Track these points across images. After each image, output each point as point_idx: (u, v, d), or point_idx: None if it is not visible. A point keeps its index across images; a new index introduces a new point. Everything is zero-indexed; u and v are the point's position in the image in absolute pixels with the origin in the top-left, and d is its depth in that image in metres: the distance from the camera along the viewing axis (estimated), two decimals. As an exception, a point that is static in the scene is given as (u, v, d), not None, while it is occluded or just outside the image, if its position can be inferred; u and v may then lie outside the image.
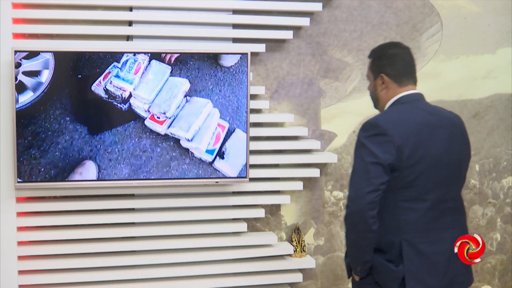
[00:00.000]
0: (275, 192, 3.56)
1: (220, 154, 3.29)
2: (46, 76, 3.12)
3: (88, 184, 3.19)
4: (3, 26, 3.14)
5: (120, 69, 3.19)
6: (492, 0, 3.85)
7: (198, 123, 3.25)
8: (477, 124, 3.90)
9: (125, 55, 3.19)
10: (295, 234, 3.58)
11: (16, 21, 3.19)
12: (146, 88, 3.21)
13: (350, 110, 3.69)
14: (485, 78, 3.90)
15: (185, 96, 3.25)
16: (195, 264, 3.43)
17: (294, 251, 3.55)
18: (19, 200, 3.26)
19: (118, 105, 3.19)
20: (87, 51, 3.16)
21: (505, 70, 3.90)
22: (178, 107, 3.24)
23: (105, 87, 3.18)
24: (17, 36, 3.21)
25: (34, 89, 3.11)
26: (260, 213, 3.50)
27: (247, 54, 3.29)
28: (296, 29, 3.56)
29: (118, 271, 3.34)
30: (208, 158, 3.28)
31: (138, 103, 3.21)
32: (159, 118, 3.23)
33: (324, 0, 3.56)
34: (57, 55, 3.12)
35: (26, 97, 3.10)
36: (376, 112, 2.54)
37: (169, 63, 3.23)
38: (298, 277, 3.54)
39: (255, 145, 3.43)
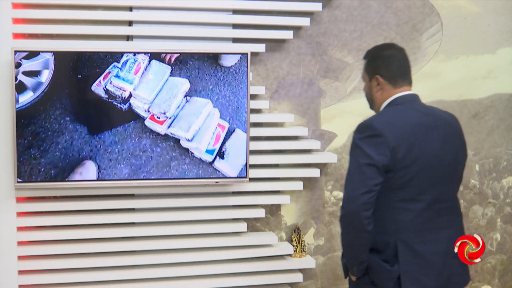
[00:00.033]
0: (275, 192, 3.57)
1: (220, 154, 3.29)
2: (46, 76, 3.12)
3: (88, 184, 3.19)
4: (3, 26, 3.14)
5: (120, 69, 3.19)
6: (492, 0, 3.85)
7: (198, 123, 3.25)
8: (477, 124, 3.90)
9: (125, 55, 3.19)
10: (295, 234, 3.58)
11: (16, 21, 3.19)
12: (146, 88, 3.21)
13: (350, 110, 3.69)
14: (485, 78, 3.90)
15: (185, 96, 3.25)
16: (195, 264, 3.43)
17: (294, 251, 3.55)
18: (19, 200, 3.26)
19: (118, 105, 3.20)
20: (87, 51, 3.16)
21: (505, 70, 3.90)
22: (178, 107, 3.24)
23: (105, 87, 3.18)
24: (17, 36, 3.21)
25: (34, 89, 3.11)
26: (260, 213, 3.50)
27: (247, 54, 3.29)
28: (296, 29, 3.56)
29: (118, 271, 3.34)
30: (208, 158, 3.28)
31: (138, 103, 3.21)
32: (159, 118, 3.23)
33: (324, 0, 3.56)
34: (57, 55, 3.12)
35: (26, 97, 3.10)
36: (373, 112, 2.55)
37: (169, 63, 3.23)
38: (298, 277, 3.54)
39: (255, 145, 3.43)
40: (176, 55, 3.23)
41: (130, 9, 3.35)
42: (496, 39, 3.88)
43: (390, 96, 2.44)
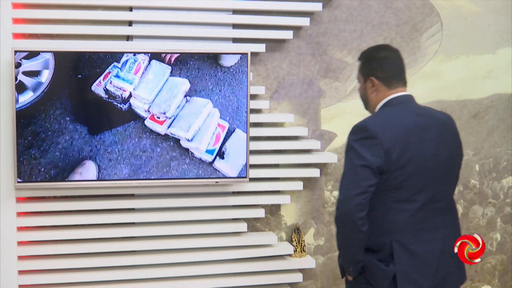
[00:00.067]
0: (275, 192, 3.57)
1: (220, 154, 3.29)
2: (46, 76, 3.12)
3: (88, 184, 3.19)
4: (3, 26, 3.14)
5: (120, 69, 3.19)
6: (492, 0, 3.85)
7: (198, 123, 3.25)
8: (477, 124, 3.90)
9: (125, 55, 3.19)
10: (295, 234, 3.58)
11: (16, 21, 3.19)
12: (146, 88, 3.21)
13: (350, 110, 3.69)
14: (485, 78, 3.90)
15: (185, 96, 3.25)
16: (195, 264, 3.43)
17: (294, 251, 3.55)
18: (19, 200, 3.26)
19: (118, 105, 3.20)
20: (87, 51, 3.16)
21: (505, 70, 3.90)
22: (178, 107, 3.24)
23: (105, 87, 3.18)
24: (17, 36, 3.21)
25: (34, 89, 3.11)
26: (260, 213, 3.50)
27: (247, 54, 3.29)
28: (296, 29, 3.56)
29: (118, 271, 3.34)
30: (208, 158, 3.28)
31: (138, 103, 3.21)
32: (159, 118, 3.23)
33: (324, 0, 3.56)
34: (57, 55, 3.12)
35: (26, 97, 3.10)
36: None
37: (169, 63, 3.23)
38: (298, 277, 3.54)
39: (255, 145, 3.43)
40: (176, 55, 3.23)
41: (130, 9, 3.35)
42: (496, 39, 3.88)
43: (384, 97, 2.45)
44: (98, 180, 3.19)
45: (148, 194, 3.40)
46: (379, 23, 3.69)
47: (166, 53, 3.23)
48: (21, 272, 3.26)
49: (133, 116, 3.21)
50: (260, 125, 3.51)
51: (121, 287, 3.33)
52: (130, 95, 3.20)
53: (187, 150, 3.26)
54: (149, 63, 3.21)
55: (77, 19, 3.27)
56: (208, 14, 3.41)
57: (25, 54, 3.09)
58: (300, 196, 3.66)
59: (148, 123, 3.22)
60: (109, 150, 3.19)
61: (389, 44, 2.62)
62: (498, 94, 3.92)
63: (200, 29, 3.39)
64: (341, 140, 3.69)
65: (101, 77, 3.17)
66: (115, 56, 3.18)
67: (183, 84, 3.24)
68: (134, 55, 3.20)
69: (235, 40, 3.46)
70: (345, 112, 3.70)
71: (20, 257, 3.26)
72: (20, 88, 3.09)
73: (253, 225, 3.60)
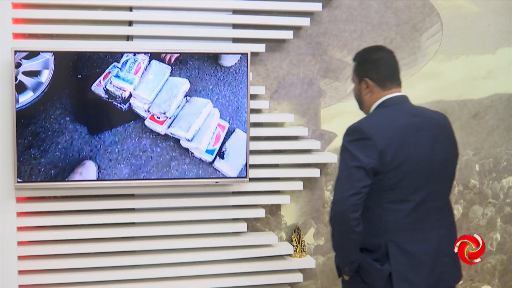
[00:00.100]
0: (275, 192, 3.57)
1: (220, 154, 3.29)
2: (46, 76, 3.12)
3: (88, 184, 3.19)
4: (3, 26, 3.14)
5: (120, 69, 3.19)
6: (492, 0, 3.85)
7: (198, 123, 3.25)
8: (477, 124, 3.90)
9: (125, 55, 3.19)
10: (295, 234, 3.58)
11: (16, 21, 3.19)
12: (146, 88, 3.21)
13: (350, 110, 3.69)
14: (485, 78, 3.90)
15: (185, 96, 3.25)
16: (195, 264, 3.43)
17: (294, 251, 3.55)
18: (19, 200, 3.25)
19: (118, 105, 3.20)
20: (87, 51, 3.16)
21: (505, 70, 3.90)
22: (178, 107, 3.24)
23: (105, 87, 3.18)
24: (17, 36, 3.21)
25: (34, 89, 3.11)
26: (260, 213, 3.50)
27: (247, 54, 3.29)
28: (296, 29, 3.56)
29: (118, 271, 3.34)
30: (208, 158, 3.28)
31: (138, 103, 3.21)
32: (159, 118, 3.23)
33: (324, 0, 3.56)
34: (57, 55, 3.12)
35: (26, 97, 3.10)
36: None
37: (169, 63, 3.23)
38: (298, 277, 3.54)
39: (255, 145, 3.43)
40: (176, 55, 3.23)
41: (130, 9, 3.35)
42: (496, 39, 3.88)
43: (379, 98, 2.46)
44: (98, 180, 3.19)
45: (148, 194, 3.40)
46: (379, 23, 3.69)
47: (166, 53, 3.23)
48: (21, 272, 3.26)
49: (133, 116, 3.21)
50: (260, 125, 3.51)
51: (121, 287, 3.33)
52: (130, 95, 3.20)
53: (187, 150, 3.26)
54: (149, 63, 3.22)
55: (77, 19, 3.27)
56: (208, 14, 3.41)
57: (25, 54, 3.09)
58: (300, 196, 3.66)
59: (148, 123, 3.22)
60: (109, 150, 3.19)
61: (383, 45, 2.63)
62: (498, 94, 3.92)
63: (200, 29, 3.39)
64: (341, 140, 3.69)
65: (101, 77, 3.17)
66: (115, 56, 3.18)
67: (183, 84, 3.24)
68: (134, 55, 3.20)
69: (235, 40, 3.46)
70: (345, 112, 3.70)
71: (20, 257, 3.26)
72: (20, 88, 3.09)
73: (253, 225, 3.60)
